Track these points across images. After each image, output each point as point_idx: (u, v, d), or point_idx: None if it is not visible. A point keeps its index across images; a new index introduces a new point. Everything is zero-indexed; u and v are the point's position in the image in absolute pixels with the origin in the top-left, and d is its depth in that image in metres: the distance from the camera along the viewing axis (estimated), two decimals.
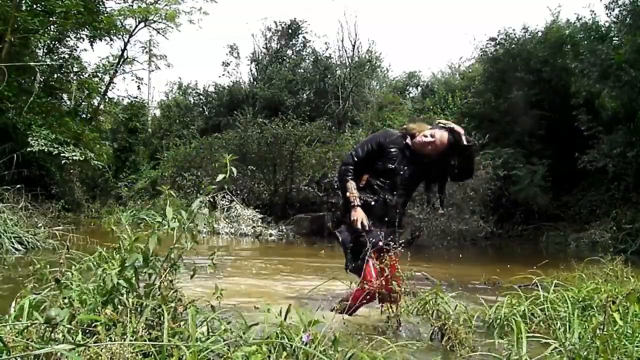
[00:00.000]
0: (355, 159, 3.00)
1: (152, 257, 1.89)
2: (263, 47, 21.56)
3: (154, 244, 1.86)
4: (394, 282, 2.75)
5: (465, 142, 2.91)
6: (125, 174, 19.84)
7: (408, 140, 3.01)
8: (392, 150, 2.98)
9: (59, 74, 14.68)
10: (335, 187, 11.59)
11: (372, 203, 2.97)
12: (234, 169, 2.00)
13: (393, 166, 2.97)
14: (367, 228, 2.84)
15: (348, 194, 2.94)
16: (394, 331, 2.62)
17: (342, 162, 3.03)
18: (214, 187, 2.04)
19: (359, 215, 2.89)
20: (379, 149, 3.01)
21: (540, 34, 13.69)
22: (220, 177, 1.99)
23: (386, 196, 2.99)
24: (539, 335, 2.40)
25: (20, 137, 11.63)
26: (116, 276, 1.85)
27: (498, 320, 2.82)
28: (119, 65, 16.12)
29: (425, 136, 2.94)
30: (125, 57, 16.35)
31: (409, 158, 2.99)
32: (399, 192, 3.04)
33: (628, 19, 11.28)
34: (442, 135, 2.92)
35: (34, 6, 12.53)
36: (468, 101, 15.20)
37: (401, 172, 2.99)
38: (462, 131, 2.95)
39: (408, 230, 9.97)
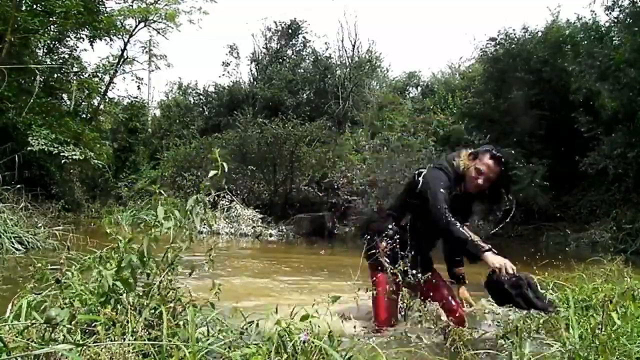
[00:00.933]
0: (445, 203, 2.56)
1: (147, 257, 1.88)
2: (263, 47, 21.58)
3: (148, 243, 1.86)
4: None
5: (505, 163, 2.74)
6: (125, 174, 19.83)
7: (463, 186, 2.73)
8: (450, 194, 2.65)
9: (59, 74, 14.68)
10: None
11: (409, 246, 2.68)
12: (225, 165, 1.98)
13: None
14: (513, 273, 2.38)
15: (471, 239, 2.47)
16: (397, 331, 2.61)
17: (432, 200, 2.55)
18: (208, 184, 2.03)
19: (502, 260, 2.42)
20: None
21: (540, 34, 13.70)
22: (212, 173, 1.98)
23: (425, 239, 2.80)
24: (540, 335, 2.40)
25: (21, 137, 11.64)
26: (112, 277, 1.85)
27: (499, 320, 2.81)
28: (119, 65, 16.11)
29: (477, 177, 2.69)
30: (125, 57, 16.34)
31: (459, 201, 2.71)
32: (437, 236, 2.84)
33: (628, 20, 11.29)
34: (489, 165, 2.69)
35: (34, 6, 12.53)
36: (468, 101, 15.21)
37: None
38: (496, 150, 2.77)
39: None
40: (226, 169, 1.97)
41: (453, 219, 2.49)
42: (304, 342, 1.72)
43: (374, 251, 2.67)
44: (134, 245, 1.97)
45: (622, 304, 2.25)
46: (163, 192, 2.01)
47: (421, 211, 2.65)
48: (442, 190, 2.58)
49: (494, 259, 2.39)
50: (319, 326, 1.86)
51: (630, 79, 10.54)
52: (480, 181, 2.68)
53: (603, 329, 1.77)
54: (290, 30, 21.23)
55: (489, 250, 2.43)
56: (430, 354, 2.23)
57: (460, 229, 2.49)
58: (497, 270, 2.36)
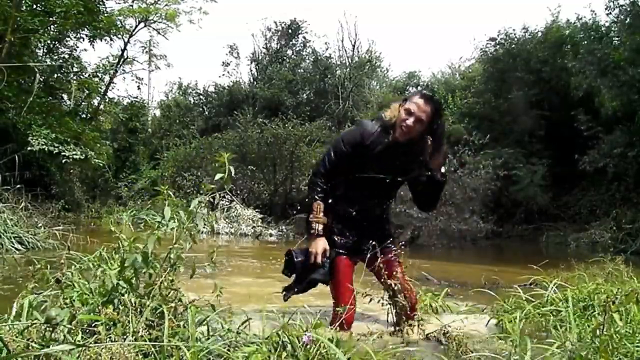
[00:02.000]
0: (327, 168, 2.47)
1: (151, 257, 1.89)
2: (263, 47, 21.57)
3: (153, 244, 1.86)
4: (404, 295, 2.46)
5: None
6: (125, 174, 19.82)
7: (392, 136, 2.45)
8: (375, 150, 2.44)
9: (59, 74, 14.69)
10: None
11: (354, 214, 2.53)
12: (232, 168, 1.98)
13: (377, 169, 2.48)
14: (321, 265, 2.45)
15: (311, 217, 2.46)
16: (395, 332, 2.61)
17: (311, 172, 2.44)
18: (213, 186, 2.04)
19: (317, 249, 2.45)
20: (355, 151, 2.46)
21: (540, 34, 13.71)
22: (218, 176, 1.98)
23: (369, 204, 2.55)
24: (539, 335, 2.40)
25: (21, 137, 11.64)
26: (116, 276, 1.85)
27: (499, 321, 2.82)
28: (119, 65, 16.12)
29: (406, 118, 2.40)
30: (125, 57, 16.35)
31: (394, 155, 2.46)
32: (385, 197, 2.64)
33: (628, 19, 11.30)
34: (418, 104, 2.40)
35: (34, 6, 12.53)
36: (468, 101, 15.21)
37: (387, 175, 2.51)
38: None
39: (408, 231, 9.97)
40: (233, 172, 1.97)
41: (315, 194, 2.47)
42: (306, 344, 1.72)
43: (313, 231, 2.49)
44: (138, 245, 1.97)
45: (625, 306, 2.25)
46: (171, 194, 2.01)
47: (349, 172, 2.50)
48: (335, 151, 2.49)
49: (312, 245, 2.47)
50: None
51: (629, 77, 10.55)
52: (409, 121, 2.37)
53: (604, 330, 1.77)
54: (290, 30, 21.23)
55: (319, 236, 2.45)
56: (429, 353, 2.23)
57: (313, 204, 2.46)
58: (310, 253, 2.47)
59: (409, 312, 2.48)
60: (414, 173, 2.55)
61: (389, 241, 2.63)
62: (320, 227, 2.45)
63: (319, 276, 2.49)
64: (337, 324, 2.21)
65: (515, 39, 13.94)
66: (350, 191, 2.53)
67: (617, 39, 12.03)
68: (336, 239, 2.53)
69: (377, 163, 2.46)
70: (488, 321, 2.84)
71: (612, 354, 1.77)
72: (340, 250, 2.53)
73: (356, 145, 2.45)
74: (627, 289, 2.60)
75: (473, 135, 12.45)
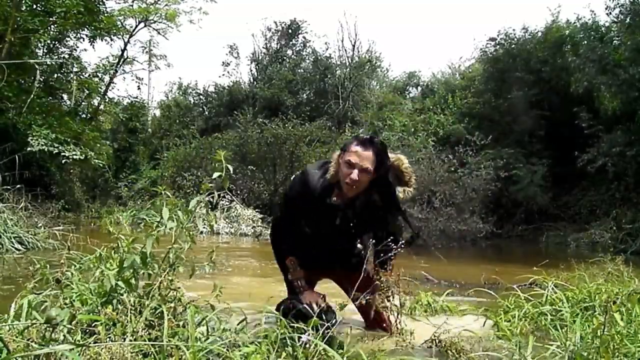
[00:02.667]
0: (282, 217, 2.33)
1: (150, 257, 1.88)
2: (263, 47, 21.57)
3: (151, 244, 1.86)
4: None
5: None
6: (125, 174, 19.82)
7: (338, 194, 2.21)
8: (322, 205, 2.22)
9: (59, 74, 14.69)
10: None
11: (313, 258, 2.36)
12: (231, 167, 1.97)
13: (330, 222, 2.26)
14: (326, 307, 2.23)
15: (290, 277, 2.30)
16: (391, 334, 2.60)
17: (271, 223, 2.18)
18: (212, 185, 2.03)
19: (311, 299, 2.26)
20: (298, 202, 2.27)
21: (540, 34, 13.71)
22: (216, 174, 1.98)
23: (330, 251, 2.35)
24: (538, 335, 2.40)
25: (21, 137, 11.64)
26: (114, 277, 1.85)
27: (497, 321, 2.81)
28: (119, 65, 16.12)
29: (349, 172, 2.14)
30: (125, 57, 16.35)
31: (345, 212, 2.24)
32: (347, 244, 2.43)
33: (628, 19, 11.30)
34: (357, 152, 2.14)
35: (34, 6, 12.53)
36: (468, 101, 15.20)
37: (341, 229, 2.29)
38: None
39: (408, 231, 9.96)
40: (231, 171, 1.95)
41: (285, 250, 2.29)
42: (305, 344, 1.72)
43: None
44: (136, 245, 1.97)
45: (627, 306, 2.24)
46: (169, 194, 2.01)
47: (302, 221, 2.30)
48: (285, 200, 2.31)
49: (305, 300, 2.24)
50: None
51: (629, 76, 10.55)
52: (353, 175, 2.11)
53: (605, 330, 1.77)
54: (290, 30, 21.22)
55: (304, 290, 2.29)
56: (428, 355, 2.23)
57: (287, 263, 2.29)
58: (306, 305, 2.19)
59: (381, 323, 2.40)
60: (373, 229, 2.36)
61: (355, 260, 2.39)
62: (303, 281, 2.30)
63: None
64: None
65: (515, 39, 13.94)
66: (307, 240, 2.33)
67: (617, 39, 12.03)
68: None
69: (328, 217, 2.25)
70: (485, 321, 2.83)
71: (613, 354, 1.76)
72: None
73: (295, 198, 2.28)
74: (629, 289, 2.60)
75: (474, 135, 12.47)
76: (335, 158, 2.24)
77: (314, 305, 2.18)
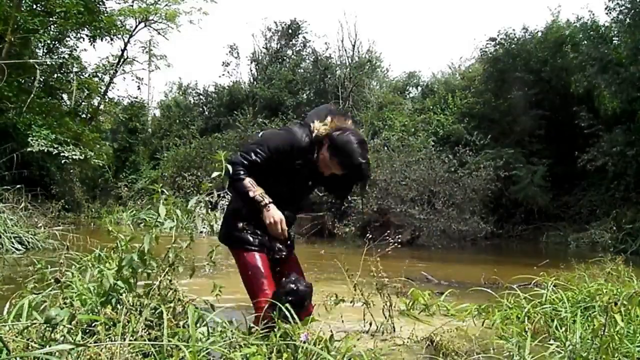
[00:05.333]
0: (246, 162, 2.29)
1: (148, 256, 1.88)
2: (263, 47, 21.56)
3: (149, 243, 1.86)
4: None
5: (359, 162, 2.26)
6: (125, 174, 19.83)
7: (316, 157, 2.35)
8: (298, 162, 2.34)
9: (59, 74, 14.69)
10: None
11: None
12: (230, 167, 1.97)
13: (294, 177, 2.38)
14: (287, 234, 2.33)
15: (251, 193, 2.23)
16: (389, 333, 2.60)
17: (229, 160, 2.15)
18: (211, 185, 2.03)
19: (276, 215, 2.25)
20: (279, 157, 2.32)
21: (540, 34, 13.71)
22: (215, 174, 1.98)
23: (283, 206, 2.34)
24: (539, 335, 2.40)
25: (21, 137, 11.64)
26: (113, 276, 1.85)
27: (497, 321, 2.81)
28: (119, 65, 16.14)
29: (324, 170, 2.36)
30: (125, 57, 16.38)
31: (313, 171, 2.39)
32: (298, 200, 2.56)
33: (628, 19, 11.30)
34: (336, 166, 2.30)
35: (34, 6, 12.55)
36: (468, 101, 15.21)
37: (302, 184, 2.45)
38: (354, 140, 2.26)
39: (408, 231, 9.97)
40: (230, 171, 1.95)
41: (242, 175, 2.23)
42: (303, 342, 1.72)
43: (230, 231, 2.41)
44: (135, 244, 1.96)
45: (627, 307, 2.24)
46: (166, 192, 2.01)
47: (270, 172, 2.33)
48: (255, 151, 2.29)
49: (267, 214, 2.23)
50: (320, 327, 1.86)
51: (629, 74, 10.55)
52: (326, 173, 2.36)
53: (606, 330, 1.77)
54: (290, 30, 21.22)
55: (271, 203, 2.24)
56: (426, 353, 2.23)
57: (244, 182, 2.22)
58: (271, 224, 2.23)
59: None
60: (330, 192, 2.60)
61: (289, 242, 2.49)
62: (267, 197, 2.25)
63: (284, 252, 2.37)
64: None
65: (515, 39, 13.94)
66: (270, 189, 2.34)
67: (617, 39, 12.03)
68: (250, 238, 2.38)
69: (295, 173, 2.36)
70: (484, 321, 2.83)
71: (612, 354, 1.76)
72: (256, 248, 2.39)
73: (282, 153, 2.31)
74: (630, 290, 2.60)
75: (474, 135, 12.47)
76: (330, 124, 2.34)
77: (283, 224, 2.24)
